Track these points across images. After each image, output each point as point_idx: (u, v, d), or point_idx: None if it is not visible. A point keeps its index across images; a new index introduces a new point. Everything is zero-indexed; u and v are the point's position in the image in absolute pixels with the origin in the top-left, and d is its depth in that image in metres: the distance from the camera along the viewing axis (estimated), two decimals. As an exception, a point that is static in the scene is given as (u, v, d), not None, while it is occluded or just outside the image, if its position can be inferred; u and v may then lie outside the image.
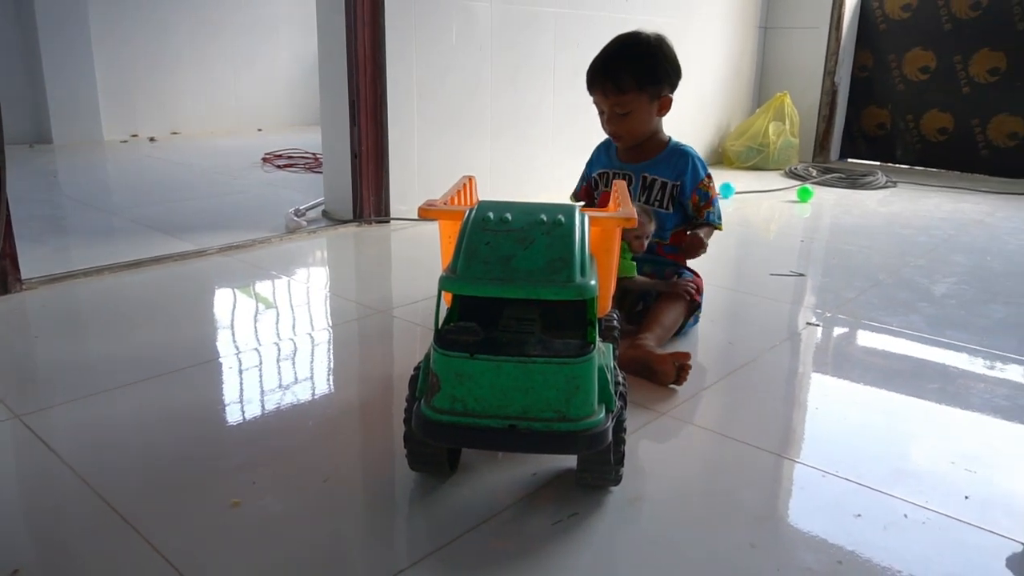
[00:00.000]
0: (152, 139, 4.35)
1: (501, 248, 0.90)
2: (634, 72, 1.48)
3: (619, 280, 1.45)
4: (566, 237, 0.90)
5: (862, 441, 1.17)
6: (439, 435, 0.89)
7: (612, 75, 1.49)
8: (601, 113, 1.56)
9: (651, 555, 0.89)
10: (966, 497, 1.02)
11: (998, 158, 3.63)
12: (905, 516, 0.97)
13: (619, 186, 1.28)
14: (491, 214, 0.93)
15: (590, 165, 1.70)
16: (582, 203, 1.67)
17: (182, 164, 3.59)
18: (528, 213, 0.94)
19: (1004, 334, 1.62)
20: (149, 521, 0.93)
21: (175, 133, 4.55)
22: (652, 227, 1.50)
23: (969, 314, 1.75)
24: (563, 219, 0.92)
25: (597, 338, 0.91)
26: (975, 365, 1.47)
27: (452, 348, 0.87)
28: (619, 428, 0.95)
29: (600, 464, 0.97)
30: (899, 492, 1.02)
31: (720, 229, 1.60)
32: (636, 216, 1.07)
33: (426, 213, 1.10)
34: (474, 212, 0.95)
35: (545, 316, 0.95)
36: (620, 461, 0.98)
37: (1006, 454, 1.14)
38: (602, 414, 0.89)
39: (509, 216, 0.93)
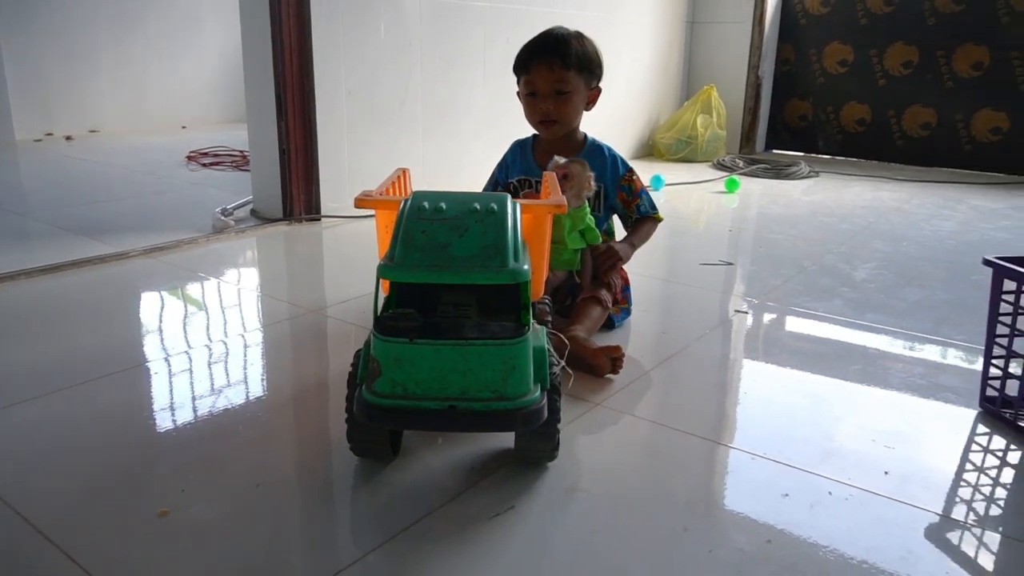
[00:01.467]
0: (68, 138, 4.17)
1: (437, 236, 0.92)
2: (577, 54, 1.49)
3: (581, 251, 1.45)
4: (499, 224, 0.94)
5: (789, 423, 1.21)
6: (381, 418, 0.91)
7: (560, 51, 1.48)
8: (531, 95, 1.52)
9: (587, 543, 0.90)
10: (886, 473, 1.06)
11: (913, 147, 3.80)
12: (830, 494, 1.01)
13: (549, 177, 1.29)
14: (426, 204, 0.96)
15: (503, 168, 1.66)
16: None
17: (102, 164, 3.45)
18: (462, 202, 0.97)
19: (920, 316, 1.70)
20: (71, 536, 0.89)
21: (93, 131, 4.37)
22: (589, 175, 1.41)
23: (888, 297, 1.82)
24: (496, 207, 0.96)
25: (531, 320, 0.94)
26: (894, 346, 1.54)
27: (392, 334, 0.90)
28: (553, 399, 0.98)
29: (537, 439, 1.00)
30: (824, 471, 1.06)
31: (660, 219, 1.62)
32: (566, 204, 1.11)
33: (362, 203, 1.12)
34: (410, 202, 0.97)
35: (481, 301, 0.97)
36: (556, 436, 1.01)
37: (922, 430, 1.20)
38: (538, 392, 0.93)
39: (444, 205, 0.96)
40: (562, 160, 1.42)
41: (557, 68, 1.48)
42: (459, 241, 0.92)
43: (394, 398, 0.90)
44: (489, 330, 0.91)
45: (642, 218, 1.60)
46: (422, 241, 0.92)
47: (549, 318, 1.20)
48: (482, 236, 0.92)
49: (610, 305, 1.51)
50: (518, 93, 1.58)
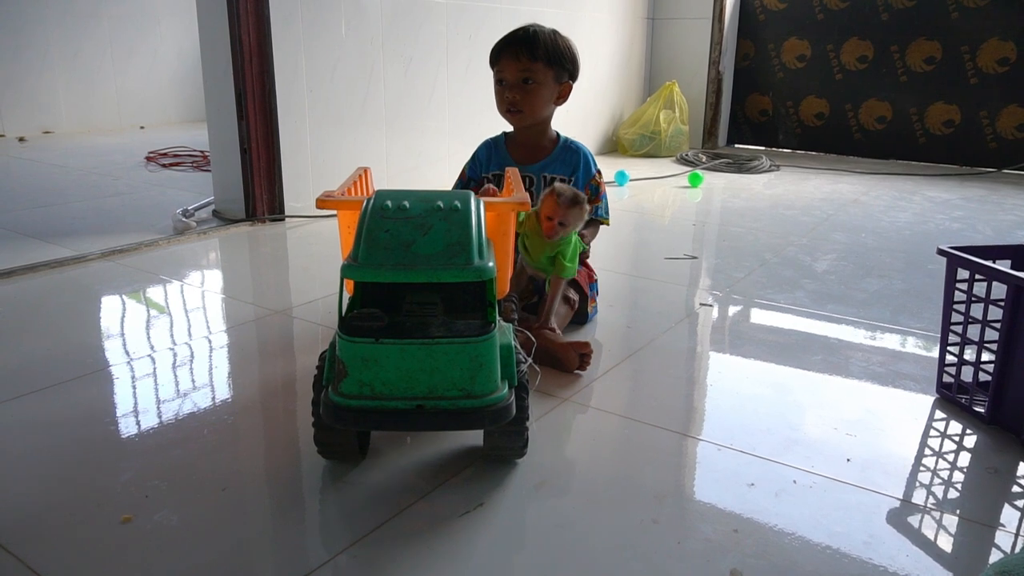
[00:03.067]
0: (21, 139, 4.07)
1: (401, 235, 0.92)
2: (546, 47, 1.51)
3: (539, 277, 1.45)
4: (463, 222, 0.93)
5: (754, 414, 1.23)
6: (348, 419, 0.90)
7: (527, 42, 1.50)
8: (500, 83, 1.54)
9: (558, 538, 0.91)
10: (848, 460, 1.08)
11: (869, 140, 3.88)
12: (794, 482, 1.03)
13: (512, 173, 1.29)
14: (389, 202, 0.95)
15: (477, 165, 1.64)
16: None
17: (57, 165, 3.37)
18: (425, 200, 0.96)
19: (879, 305, 1.74)
20: (31, 546, 0.87)
21: (47, 132, 4.27)
22: (575, 214, 1.36)
23: (848, 288, 1.86)
24: (459, 205, 0.95)
25: (497, 317, 0.94)
26: (854, 336, 1.57)
27: (357, 334, 0.89)
28: (521, 396, 0.98)
29: (505, 436, 1.01)
30: (788, 460, 1.08)
31: (607, 224, 1.64)
32: (529, 200, 1.10)
33: (324, 204, 1.10)
34: (372, 201, 0.96)
35: (447, 300, 0.97)
36: (524, 434, 1.01)
37: (882, 417, 1.22)
38: (505, 389, 0.93)
39: (407, 204, 0.95)
40: (567, 190, 1.35)
41: (524, 58, 1.50)
42: (423, 239, 0.92)
43: (361, 399, 0.90)
44: (455, 328, 0.91)
45: (594, 220, 1.62)
46: (386, 240, 0.91)
47: (515, 315, 1.20)
48: (446, 234, 0.92)
49: (577, 303, 1.52)
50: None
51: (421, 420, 0.90)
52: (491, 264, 0.92)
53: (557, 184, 1.38)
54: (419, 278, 0.90)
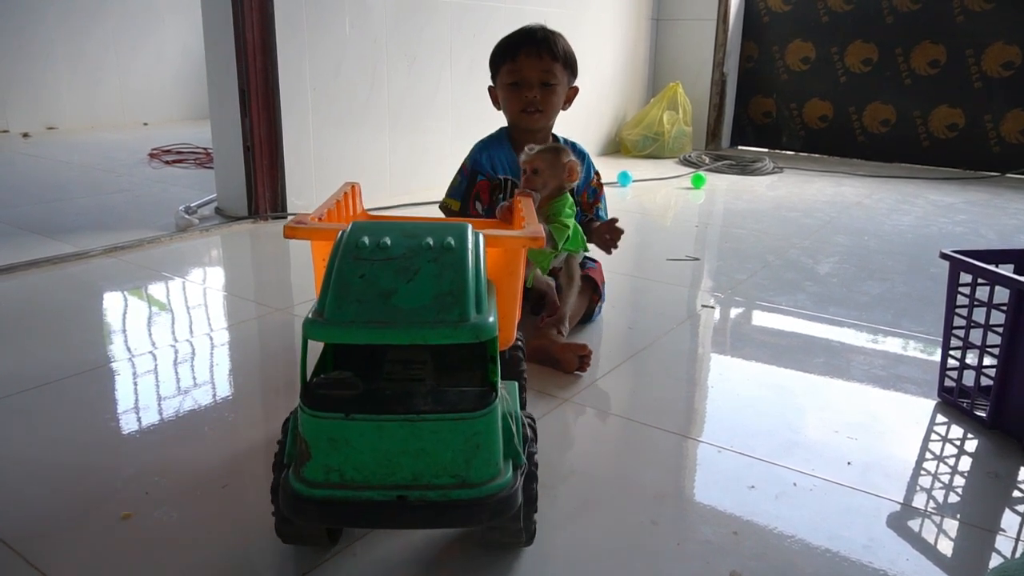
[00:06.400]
0: (25, 135, 4.07)
1: (379, 281, 0.74)
2: (563, 48, 1.49)
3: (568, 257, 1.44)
4: (457, 264, 0.76)
5: (755, 416, 1.22)
6: (311, 513, 0.73)
7: (548, 42, 1.47)
8: (514, 85, 1.47)
9: (555, 539, 0.91)
10: (849, 463, 1.08)
11: (873, 143, 3.87)
12: (794, 484, 1.03)
13: (524, 203, 1.17)
14: (366, 239, 0.77)
15: (479, 165, 1.55)
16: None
17: (60, 161, 3.38)
18: (411, 236, 0.78)
19: (880, 309, 1.73)
20: (31, 542, 0.87)
21: (51, 128, 4.27)
22: (567, 162, 1.36)
23: (849, 291, 1.85)
24: (453, 243, 0.77)
25: (499, 381, 0.78)
26: (856, 339, 1.57)
27: (323, 407, 0.73)
28: (530, 483, 0.82)
29: (510, 527, 0.84)
30: (789, 462, 1.08)
31: None
32: (543, 235, 0.94)
33: (294, 233, 0.93)
34: (346, 236, 0.79)
35: (438, 356, 0.83)
36: (532, 521, 0.86)
37: (884, 421, 1.22)
38: (509, 473, 0.76)
39: (388, 241, 0.77)
40: (536, 149, 1.37)
41: (547, 58, 1.46)
42: (406, 288, 0.74)
43: (328, 487, 0.73)
44: (447, 400, 0.75)
45: (594, 220, 1.62)
46: (359, 289, 0.73)
47: (524, 372, 1.09)
48: (436, 280, 0.74)
49: (586, 300, 1.52)
50: (490, 88, 1.56)
51: (403, 515, 0.73)
52: (492, 319, 0.73)
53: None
54: (400, 339, 0.72)
